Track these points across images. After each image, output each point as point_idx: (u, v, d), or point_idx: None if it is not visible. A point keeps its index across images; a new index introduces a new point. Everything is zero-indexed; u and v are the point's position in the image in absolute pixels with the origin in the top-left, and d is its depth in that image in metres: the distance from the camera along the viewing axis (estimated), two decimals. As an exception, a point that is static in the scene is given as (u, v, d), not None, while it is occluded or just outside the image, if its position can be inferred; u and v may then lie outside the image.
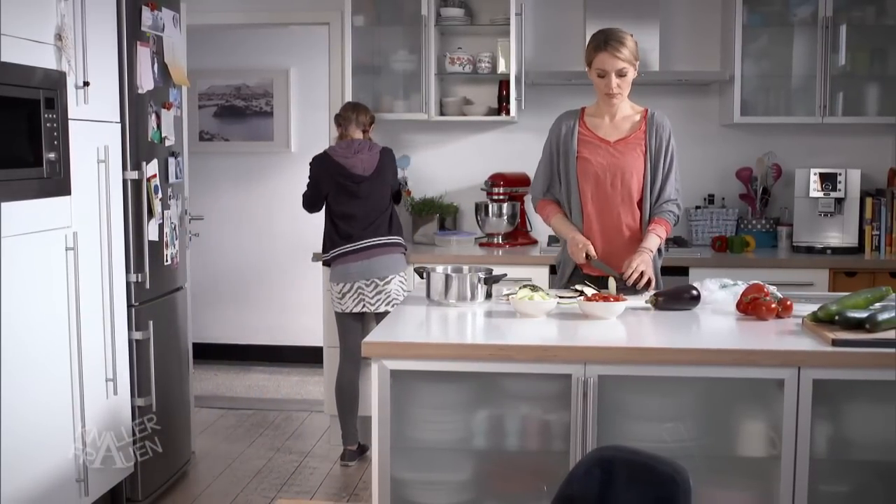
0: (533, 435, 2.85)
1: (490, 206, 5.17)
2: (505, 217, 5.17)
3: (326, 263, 4.77)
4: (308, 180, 4.80)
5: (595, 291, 3.18)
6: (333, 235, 4.71)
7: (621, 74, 3.45)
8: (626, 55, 3.42)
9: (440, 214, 5.37)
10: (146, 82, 4.04)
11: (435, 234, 5.29)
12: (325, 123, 5.69)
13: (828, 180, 4.90)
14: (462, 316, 3.14)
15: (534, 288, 3.15)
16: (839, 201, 4.92)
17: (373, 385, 2.70)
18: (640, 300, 3.25)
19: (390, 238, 4.67)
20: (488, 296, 3.32)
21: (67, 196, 3.48)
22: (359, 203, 4.65)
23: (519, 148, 5.33)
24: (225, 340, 7.07)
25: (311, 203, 4.83)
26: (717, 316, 3.11)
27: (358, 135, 4.76)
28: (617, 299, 3.09)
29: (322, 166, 4.72)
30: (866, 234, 4.92)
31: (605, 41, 3.45)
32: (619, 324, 3.00)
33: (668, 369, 2.65)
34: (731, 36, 5.01)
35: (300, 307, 6.75)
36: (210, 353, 6.88)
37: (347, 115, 4.79)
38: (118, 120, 3.91)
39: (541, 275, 4.75)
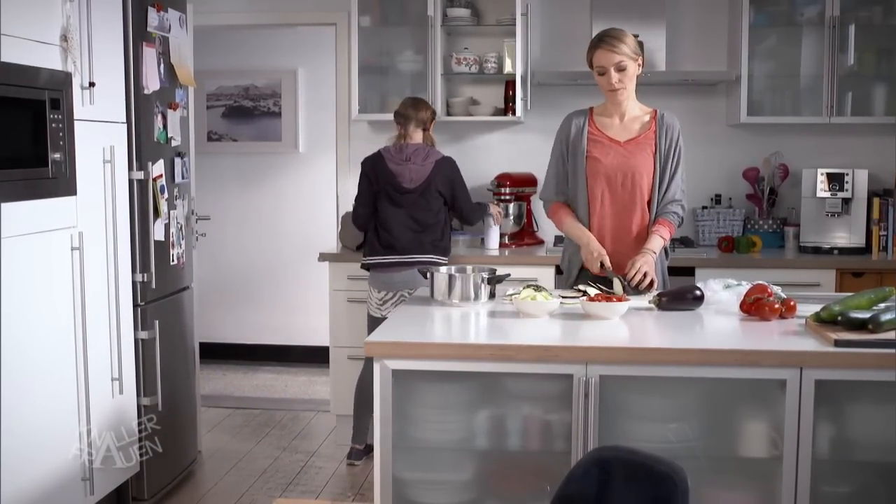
0: (534, 435, 2.85)
1: (492, 216, 5.16)
2: (511, 217, 5.17)
3: (365, 266, 4.68)
4: (357, 189, 4.66)
5: (598, 292, 3.18)
6: (374, 242, 4.58)
7: (620, 69, 3.45)
8: (621, 49, 3.44)
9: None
10: (152, 83, 4.06)
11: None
12: (333, 124, 5.70)
13: (835, 180, 4.89)
14: (465, 316, 3.15)
15: (537, 288, 3.15)
16: (846, 201, 4.91)
17: (375, 385, 2.71)
18: (644, 300, 3.25)
19: (435, 257, 4.51)
20: (492, 296, 3.33)
21: (73, 196, 3.49)
22: (400, 214, 4.52)
23: (525, 148, 5.34)
24: (234, 340, 7.09)
25: (359, 213, 4.62)
26: (720, 316, 3.10)
27: (418, 135, 4.62)
28: (620, 299, 3.09)
29: (374, 167, 4.58)
30: (873, 234, 4.90)
31: (599, 38, 3.49)
32: (622, 324, 3.00)
33: (670, 369, 2.65)
34: (737, 36, 4.99)
35: (308, 307, 6.76)
36: (219, 353, 6.90)
37: (407, 114, 4.62)
38: (124, 120, 3.92)
39: (547, 275, 4.75)
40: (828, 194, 4.90)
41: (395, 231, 4.53)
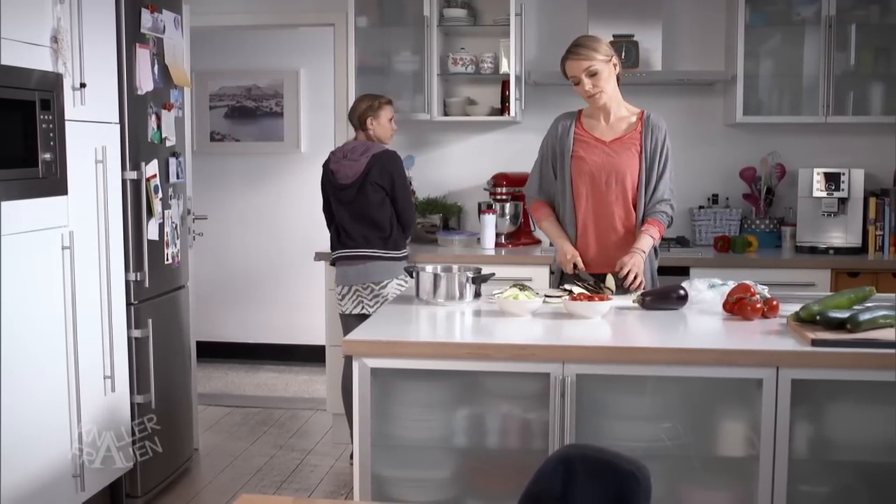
0: (513, 433, 2.87)
1: (493, 206, 5.17)
2: (508, 217, 5.18)
3: (333, 263, 4.75)
4: None
5: (581, 290, 3.19)
6: (334, 239, 4.69)
7: (591, 74, 3.48)
8: (588, 55, 3.47)
9: (443, 214, 5.39)
10: (146, 84, 4.09)
11: (438, 233, 5.31)
12: (334, 124, 5.72)
13: (831, 180, 4.87)
14: (448, 315, 3.16)
15: (522, 287, 3.16)
16: (843, 201, 4.89)
17: (354, 383, 2.73)
18: (628, 300, 3.26)
19: (386, 252, 4.54)
20: (477, 295, 3.34)
21: (64, 196, 3.52)
22: (343, 210, 4.56)
23: (522, 148, 5.29)
24: (237, 339, 7.13)
25: (325, 217, 4.80)
26: (703, 316, 3.11)
27: (360, 135, 4.69)
28: (602, 298, 3.10)
29: (324, 169, 4.69)
30: (870, 234, 4.88)
31: (567, 50, 3.53)
32: (604, 323, 3.01)
33: (646, 369, 2.66)
34: (734, 35, 4.99)
35: (310, 306, 6.77)
36: (222, 352, 6.95)
37: (349, 114, 4.72)
38: (117, 121, 3.95)
39: (543, 275, 4.74)
40: (824, 194, 4.88)
41: (345, 227, 4.59)
